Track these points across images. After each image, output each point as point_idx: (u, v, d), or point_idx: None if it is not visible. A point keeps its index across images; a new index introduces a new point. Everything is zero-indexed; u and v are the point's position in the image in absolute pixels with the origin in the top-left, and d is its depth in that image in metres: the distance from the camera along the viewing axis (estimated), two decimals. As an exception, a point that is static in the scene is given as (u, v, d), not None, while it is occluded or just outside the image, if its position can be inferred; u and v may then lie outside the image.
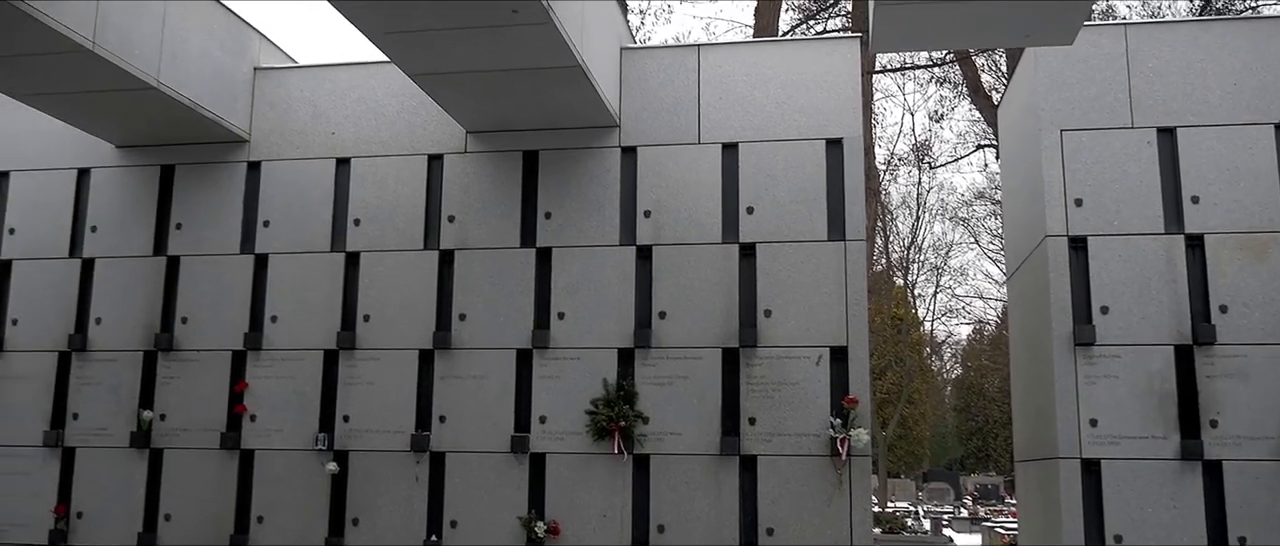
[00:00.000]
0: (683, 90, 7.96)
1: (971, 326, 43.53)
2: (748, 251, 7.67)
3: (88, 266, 8.65)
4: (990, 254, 34.76)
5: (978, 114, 23.37)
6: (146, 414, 8.21)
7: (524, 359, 7.78)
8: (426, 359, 7.93)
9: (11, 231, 8.80)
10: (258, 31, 8.72)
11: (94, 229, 8.67)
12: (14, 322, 8.66)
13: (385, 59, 7.01)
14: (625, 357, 7.65)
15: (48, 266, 8.68)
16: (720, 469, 7.35)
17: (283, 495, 7.92)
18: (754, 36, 17.36)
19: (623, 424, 7.40)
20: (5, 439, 8.47)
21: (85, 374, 8.46)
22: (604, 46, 7.58)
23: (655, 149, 7.91)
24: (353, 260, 8.20)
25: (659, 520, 7.35)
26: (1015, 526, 15.65)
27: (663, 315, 7.62)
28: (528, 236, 7.96)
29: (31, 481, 8.34)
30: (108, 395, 8.39)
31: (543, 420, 7.62)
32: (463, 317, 7.89)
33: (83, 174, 8.82)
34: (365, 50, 27.26)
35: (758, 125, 7.81)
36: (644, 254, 7.79)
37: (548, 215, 7.93)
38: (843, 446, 7.14)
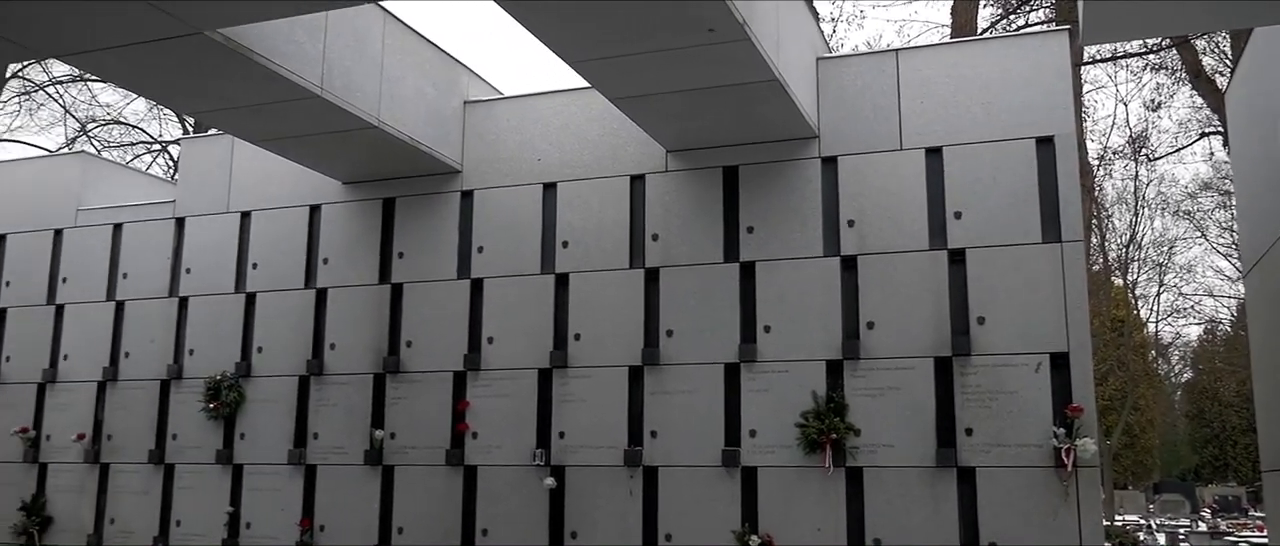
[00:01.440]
0: (882, 96, 7.84)
1: (1202, 326, 40.66)
2: (957, 257, 7.47)
3: (321, 296, 9.28)
4: (1220, 248, 32.42)
5: (1200, 100, 21.88)
6: (378, 433, 8.72)
7: (732, 373, 7.83)
8: (636, 375, 8.09)
9: (255, 266, 9.55)
10: (466, 67, 9.16)
11: (326, 261, 9.30)
12: (259, 350, 9.37)
13: (586, 85, 7.22)
14: (834, 369, 7.58)
15: (287, 297, 9.37)
16: (936, 481, 7.17)
17: (504, 509, 8.24)
18: (952, 36, 16.88)
19: (834, 436, 7.33)
20: (256, 457, 9.18)
21: (323, 396, 9.07)
22: (799, 57, 7.56)
23: (856, 157, 7.82)
24: (562, 281, 8.46)
25: (875, 534, 7.23)
26: (1264, 541, 14.51)
27: (871, 325, 7.52)
28: (731, 251, 8.02)
29: (280, 497, 9.00)
30: (343, 416, 8.97)
31: (753, 434, 7.64)
32: (670, 334, 8.01)
33: (314, 210, 9.48)
34: (567, 78, 27.98)
35: (963, 127, 7.60)
36: (848, 264, 7.71)
37: (750, 229, 7.96)
38: (1067, 457, 6.83)
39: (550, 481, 8.04)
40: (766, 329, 7.77)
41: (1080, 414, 6.88)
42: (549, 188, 8.69)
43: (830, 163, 7.91)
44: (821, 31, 9.10)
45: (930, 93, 7.72)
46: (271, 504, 9.04)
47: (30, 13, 5.92)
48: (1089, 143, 25.58)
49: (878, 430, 7.36)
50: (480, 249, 8.79)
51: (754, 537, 7.40)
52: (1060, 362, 7.09)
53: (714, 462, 7.69)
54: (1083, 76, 21.29)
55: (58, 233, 10.58)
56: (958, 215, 7.48)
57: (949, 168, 7.58)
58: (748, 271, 7.96)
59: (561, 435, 8.18)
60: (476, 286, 8.76)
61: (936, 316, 7.39)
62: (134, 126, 23.13)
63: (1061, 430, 6.89)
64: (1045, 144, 7.42)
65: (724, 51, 6.42)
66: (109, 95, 23.55)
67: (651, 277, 8.21)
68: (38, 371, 10.29)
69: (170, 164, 22.87)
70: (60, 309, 10.39)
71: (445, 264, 8.89)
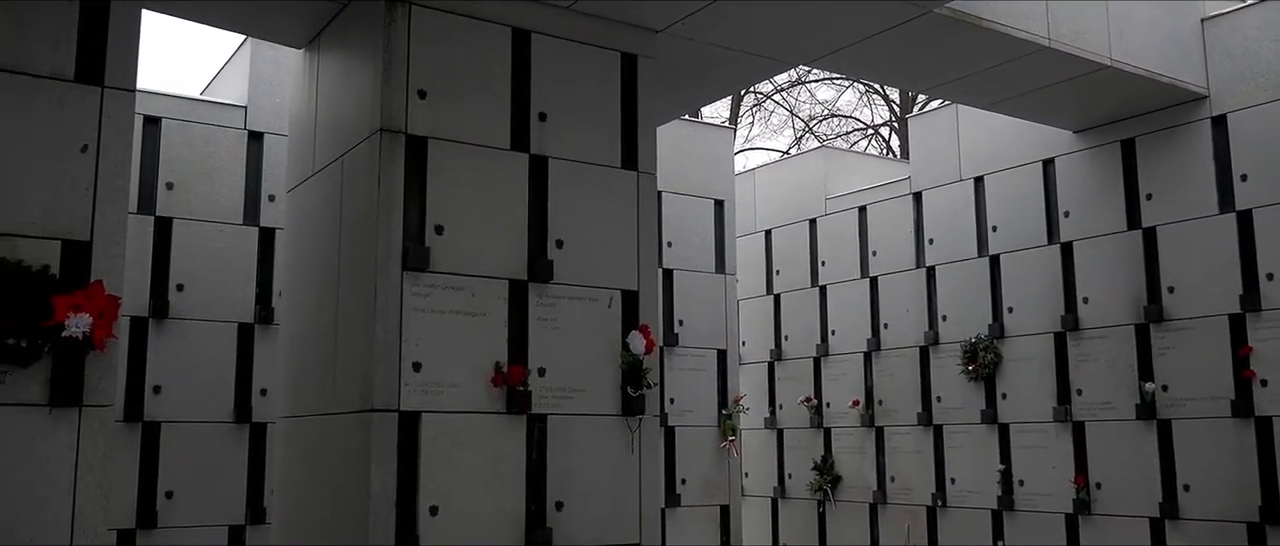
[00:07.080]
0: None
1: None
2: None
3: (1067, 250, 9.07)
4: None
5: None
6: (1148, 385, 8.28)
7: None
8: None
9: (994, 229, 9.68)
10: (1203, -20, 8.35)
11: (1067, 214, 9.08)
12: (1010, 310, 9.47)
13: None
14: None
15: (1030, 256, 9.33)
16: None
17: (1313, 463, 7.33)
18: None
19: None
20: (1020, 416, 9.29)
21: (1081, 351, 8.87)
22: None
23: None
24: None
25: None
26: None
27: None
28: None
29: (1049, 454, 9.00)
30: (1104, 370, 8.68)
31: None
32: None
33: (1047, 164, 9.31)
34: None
35: None
36: None
37: None
38: None
39: (1369, 431, 6.98)
40: None
41: None
42: (1326, 94, 7.55)
43: None
44: None
45: None
46: (1041, 461, 9.07)
47: (774, 29, 6.59)
48: None
49: None
50: (1244, 177, 7.91)
51: None
52: None
53: None
54: None
55: (812, 222, 11.75)
56: None
57: None
58: None
59: (1378, 377, 7.05)
60: (1244, 218, 7.90)
61: None
62: (847, 116, 24.88)
63: None
64: None
65: None
66: (825, 92, 25.62)
67: None
68: (812, 346, 11.54)
69: (883, 145, 24.19)
70: (823, 289, 11.53)
71: (1203, 199, 8.15)
